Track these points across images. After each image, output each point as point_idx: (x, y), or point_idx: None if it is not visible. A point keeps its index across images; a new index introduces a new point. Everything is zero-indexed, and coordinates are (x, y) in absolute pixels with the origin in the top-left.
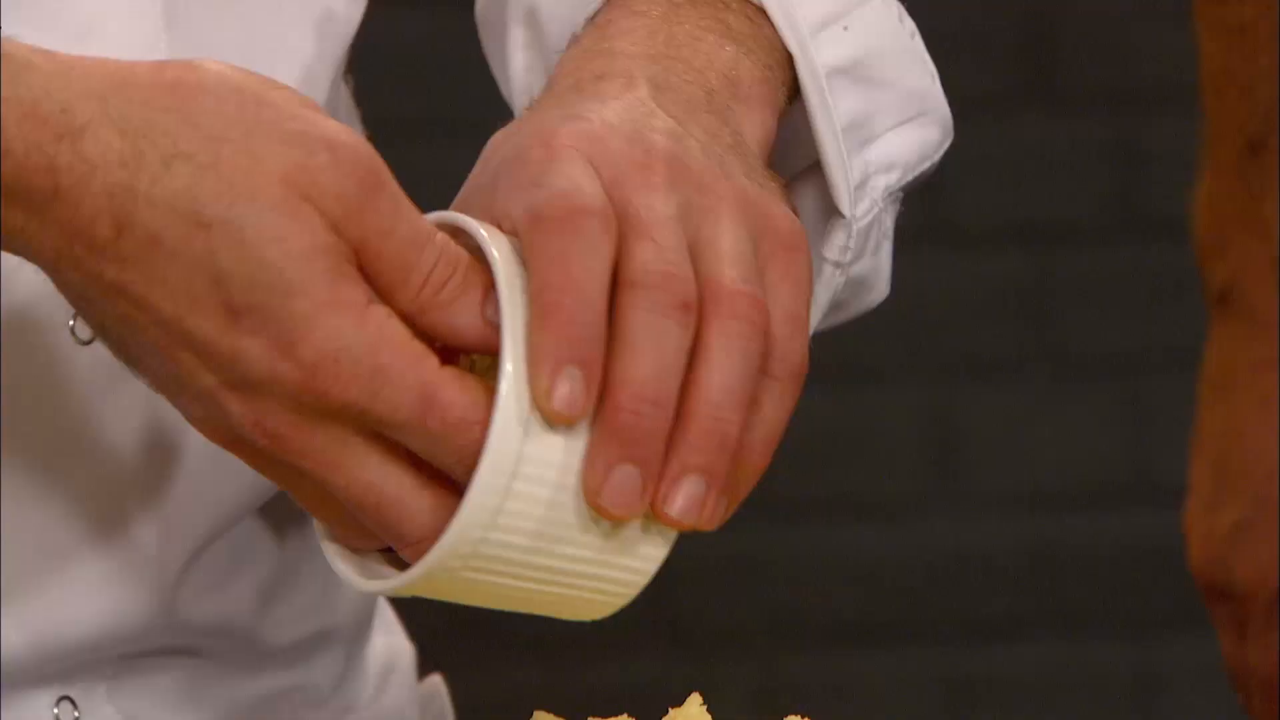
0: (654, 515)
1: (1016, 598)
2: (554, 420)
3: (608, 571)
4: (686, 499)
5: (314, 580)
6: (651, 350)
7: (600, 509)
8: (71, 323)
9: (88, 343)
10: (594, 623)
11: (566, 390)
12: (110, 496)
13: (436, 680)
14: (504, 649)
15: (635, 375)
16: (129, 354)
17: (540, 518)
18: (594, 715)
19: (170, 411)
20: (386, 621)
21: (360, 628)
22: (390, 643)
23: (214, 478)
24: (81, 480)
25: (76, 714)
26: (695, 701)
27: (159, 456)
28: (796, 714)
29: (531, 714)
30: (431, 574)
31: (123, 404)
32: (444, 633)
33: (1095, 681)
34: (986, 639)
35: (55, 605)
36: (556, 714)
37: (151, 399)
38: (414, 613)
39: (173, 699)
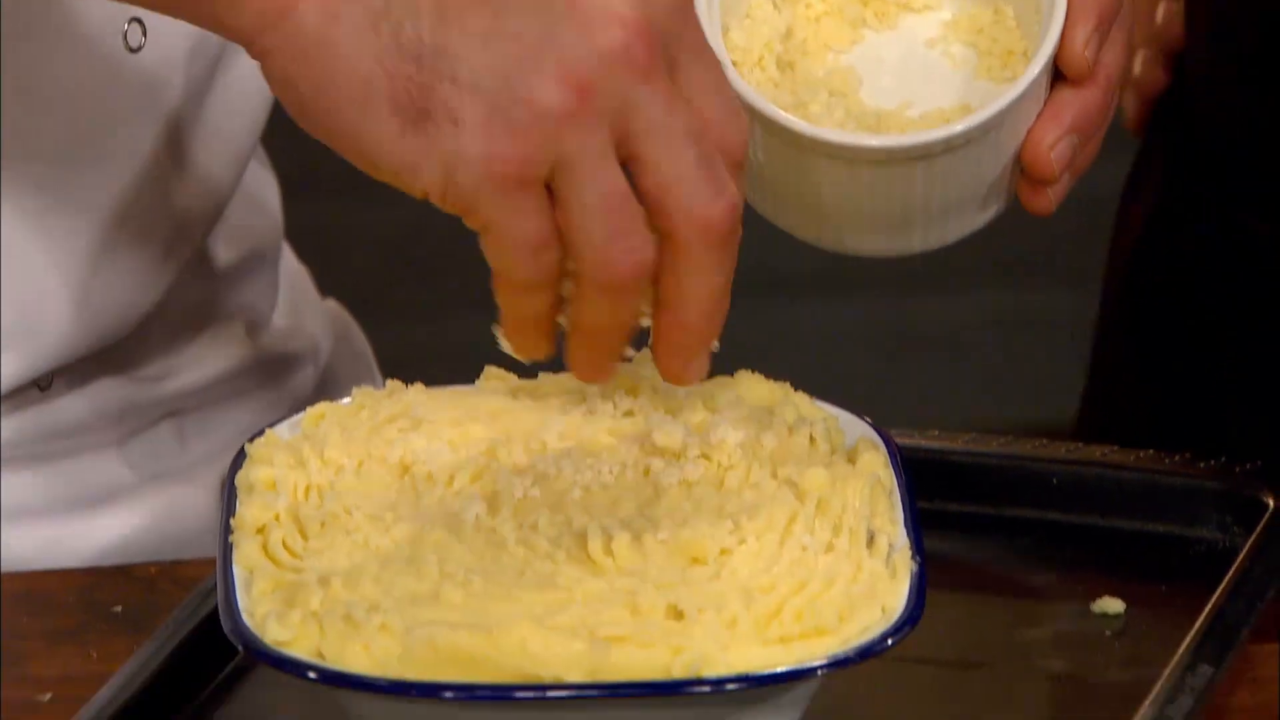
0: None
1: (960, 247)
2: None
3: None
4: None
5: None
6: None
7: None
8: (125, 28)
9: (136, 50)
10: None
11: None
12: (125, 196)
13: (332, 303)
14: (429, 295)
15: None
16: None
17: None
18: (543, 373)
19: (190, 125)
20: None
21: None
22: (287, 262)
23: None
24: (103, 177)
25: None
26: (645, 356)
27: (170, 159)
28: (744, 368)
29: (473, 364)
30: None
31: (154, 114)
32: (384, 287)
33: (1040, 328)
34: (932, 289)
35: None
36: (496, 365)
37: (177, 114)
38: (345, 274)
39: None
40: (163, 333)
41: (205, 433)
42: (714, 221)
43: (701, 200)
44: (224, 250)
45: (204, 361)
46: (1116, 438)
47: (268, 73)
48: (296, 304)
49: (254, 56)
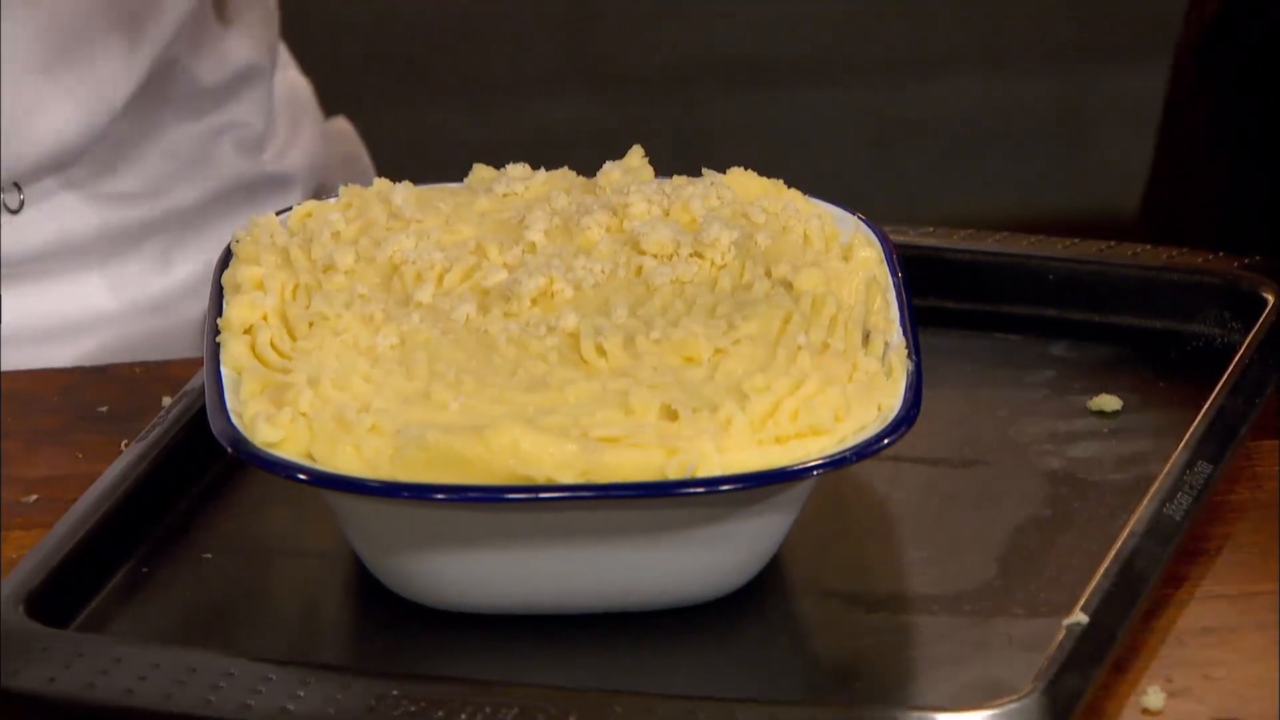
0: None
1: (942, 34)
2: None
3: None
4: None
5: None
6: None
7: None
8: None
9: None
10: (510, 63)
11: None
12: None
13: (342, 121)
14: (418, 91)
15: None
16: None
17: None
18: (524, 159)
19: None
20: (284, 59)
21: (273, 62)
22: (288, 77)
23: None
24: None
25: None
26: (637, 154)
27: None
28: (733, 162)
29: (448, 157)
30: None
31: None
32: (352, 73)
33: (1022, 116)
34: (917, 76)
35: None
36: (484, 161)
37: None
38: (320, 51)
39: (108, 154)
40: (139, 150)
41: (191, 258)
42: None
43: None
44: (208, 67)
45: (189, 181)
46: (1183, 233)
47: None
48: (295, 120)
49: None
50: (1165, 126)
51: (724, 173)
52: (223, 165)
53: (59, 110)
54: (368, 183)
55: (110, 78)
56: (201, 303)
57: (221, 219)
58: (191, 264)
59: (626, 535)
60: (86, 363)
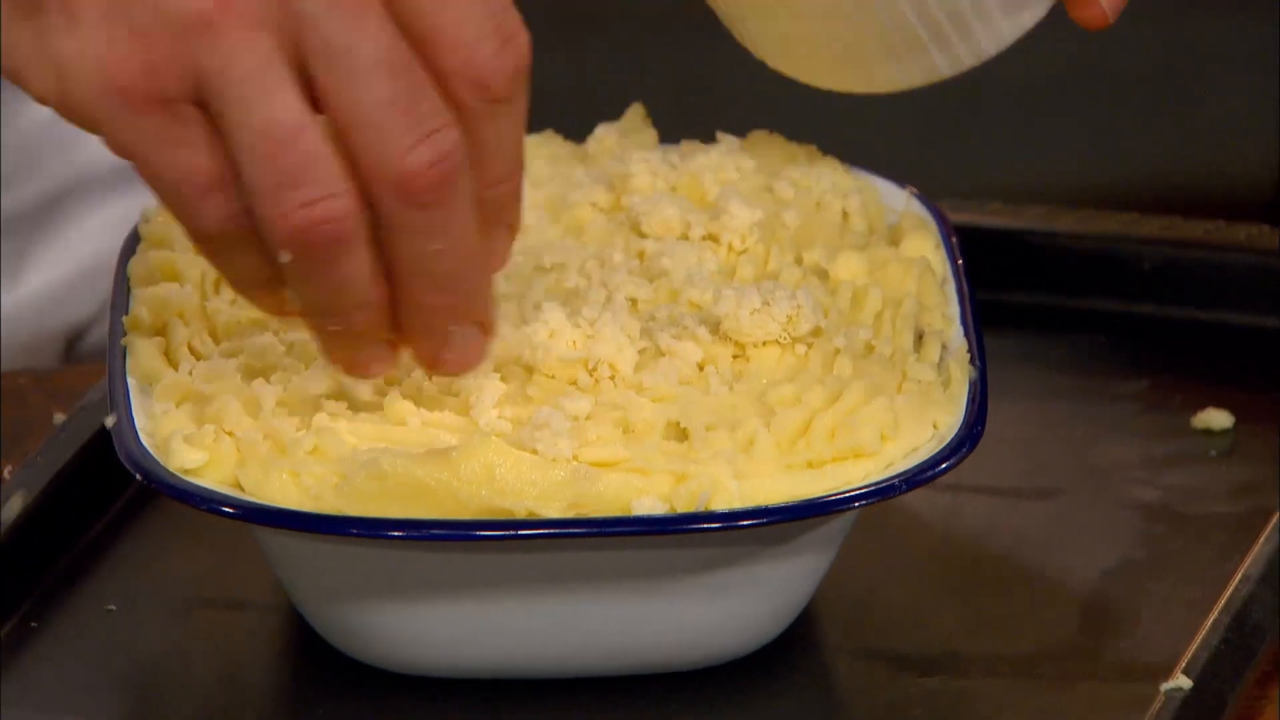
0: None
1: None
2: None
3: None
4: None
5: None
6: None
7: None
8: None
9: None
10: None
11: None
12: None
13: None
14: None
15: None
16: None
17: None
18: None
19: None
20: None
21: None
22: None
23: None
24: None
25: None
26: (637, 113)
27: None
28: (757, 126)
29: None
30: None
31: None
32: None
33: (1110, 68)
34: None
35: None
36: None
37: None
38: None
39: None
40: None
41: (45, 264)
42: (410, 176)
43: (395, 149)
44: None
45: (35, 171)
46: None
47: None
48: None
49: None
50: None
51: (743, 136)
52: (78, 147)
53: None
54: None
55: None
56: (66, 314)
57: (81, 215)
58: (46, 273)
59: (625, 582)
60: None
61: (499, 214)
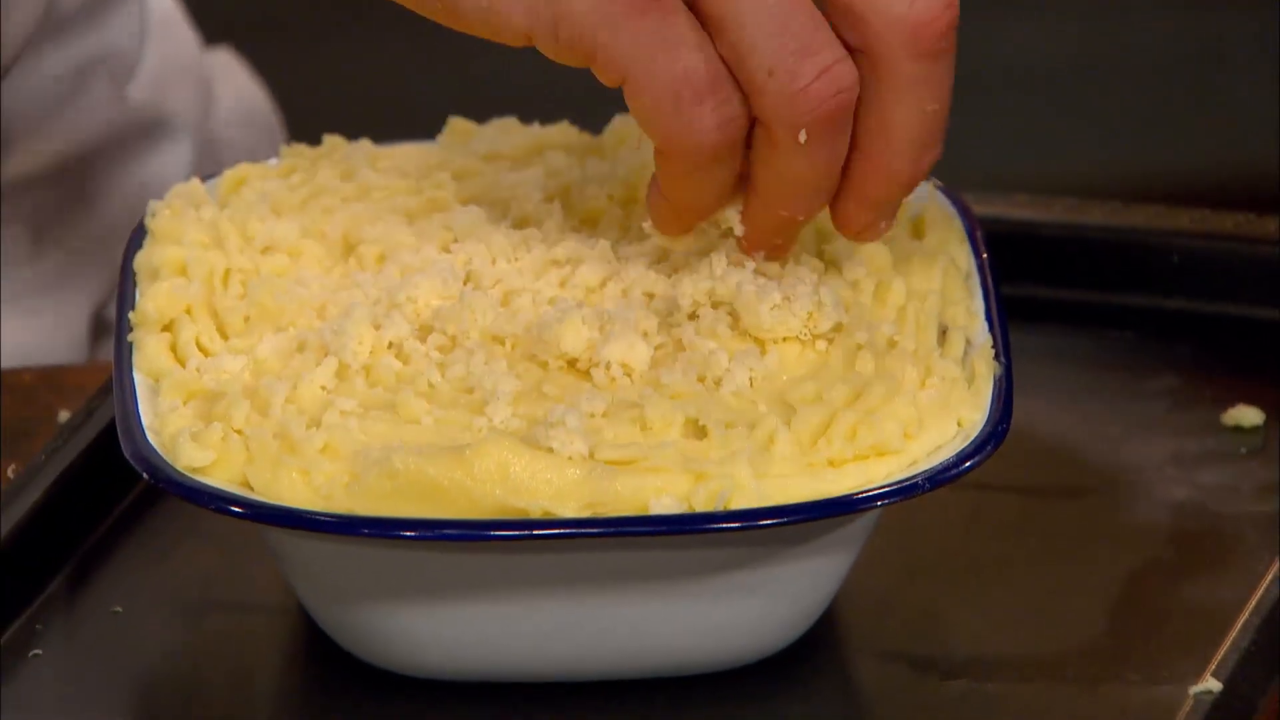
0: None
1: None
2: None
3: None
4: None
5: None
6: None
7: None
8: None
9: None
10: None
11: None
12: None
13: (225, 55)
14: (347, 23)
15: None
16: None
17: None
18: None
19: None
20: None
21: None
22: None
23: None
24: None
25: None
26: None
27: None
28: None
29: (409, 107)
30: None
31: None
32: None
33: (1137, 57)
34: (1005, 7)
35: None
36: (458, 113)
37: None
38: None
39: None
40: None
41: (65, 234)
42: (924, 24)
43: (901, 2)
44: None
45: (46, 134)
46: None
47: None
48: (168, 56)
49: None
50: None
51: None
52: (93, 110)
53: None
54: (273, 140)
55: None
56: (82, 298)
57: (100, 178)
58: (64, 248)
59: (642, 583)
60: None
61: (901, 192)
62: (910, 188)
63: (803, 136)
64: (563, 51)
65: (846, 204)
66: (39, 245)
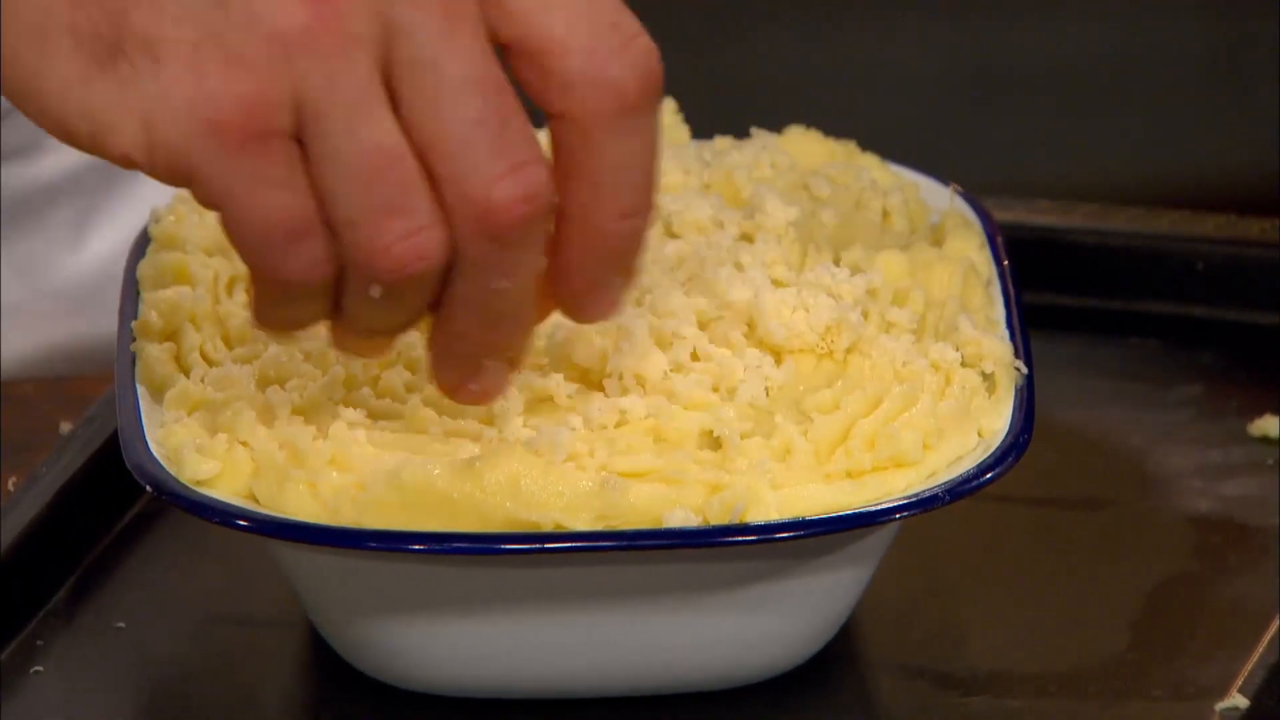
0: None
1: None
2: None
3: None
4: None
5: None
6: None
7: None
8: None
9: None
10: None
11: None
12: None
13: None
14: None
15: None
16: None
17: None
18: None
19: None
20: None
21: None
22: None
23: None
24: None
25: None
26: (668, 109)
27: None
28: (794, 120)
29: None
30: None
31: None
32: None
33: (1162, 61)
34: (1026, 10)
35: None
36: None
37: None
38: None
39: None
40: None
41: (108, 224)
42: (495, 210)
43: (481, 178)
44: None
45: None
46: None
47: None
48: None
49: None
50: None
51: (779, 132)
52: None
53: None
54: None
55: None
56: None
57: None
58: (116, 236)
59: (657, 598)
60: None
61: (618, 257)
62: (485, 352)
63: (376, 292)
64: (163, 176)
65: (429, 354)
66: (82, 236)
